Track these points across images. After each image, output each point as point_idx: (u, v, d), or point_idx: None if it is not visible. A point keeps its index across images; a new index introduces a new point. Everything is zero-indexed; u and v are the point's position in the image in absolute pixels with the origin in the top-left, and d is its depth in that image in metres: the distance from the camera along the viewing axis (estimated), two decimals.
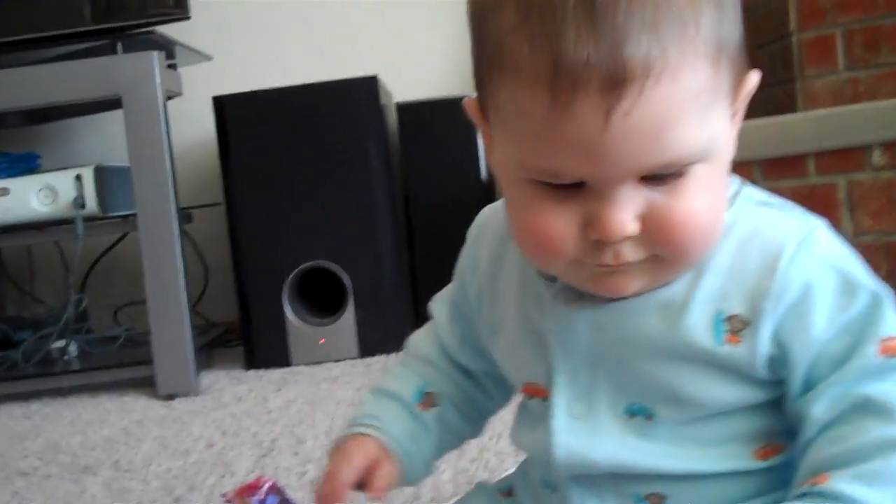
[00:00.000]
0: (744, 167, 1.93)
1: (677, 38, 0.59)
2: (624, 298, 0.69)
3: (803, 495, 0.63)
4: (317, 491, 0.80)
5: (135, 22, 2.28)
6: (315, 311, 2.30)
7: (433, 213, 2.44)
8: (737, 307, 0.67)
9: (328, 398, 1.85)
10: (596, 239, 0.63)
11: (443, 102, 2.46)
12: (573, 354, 0.72)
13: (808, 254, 0.67)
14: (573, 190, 0.63)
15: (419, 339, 0.89)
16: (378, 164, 2.27)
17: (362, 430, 0.82)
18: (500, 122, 0.65)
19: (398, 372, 0.87)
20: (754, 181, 2.04)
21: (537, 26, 0.59)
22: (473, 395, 0.86)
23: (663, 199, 0.63)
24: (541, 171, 0.63)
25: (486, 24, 0.64)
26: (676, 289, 0.68)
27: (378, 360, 2.18)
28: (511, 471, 0.87)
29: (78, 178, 2.15)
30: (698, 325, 0.67)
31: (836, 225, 1.93)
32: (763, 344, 0.66)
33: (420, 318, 2.46)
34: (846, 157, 1.85)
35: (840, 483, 0.62)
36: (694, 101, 0.61)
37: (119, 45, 2.17)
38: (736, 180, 0.71)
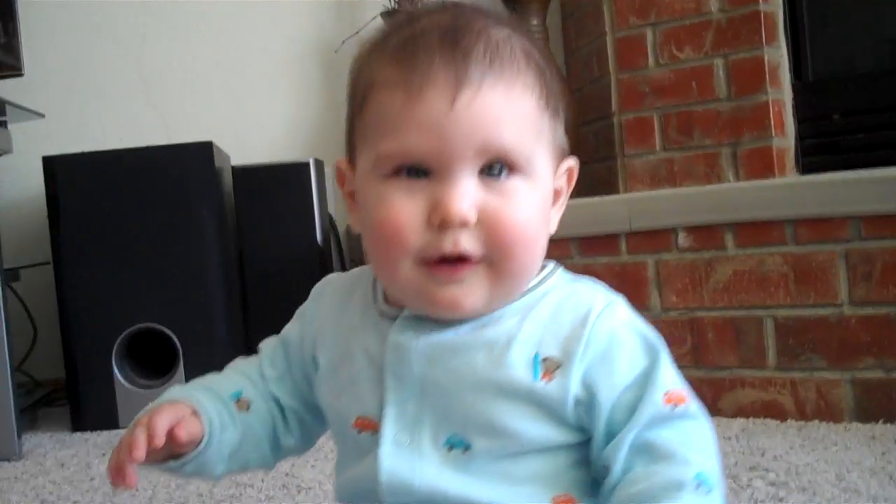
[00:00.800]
0: (562, 243, 2.05)
1: (512, 72, 0.76)
2: (456, 333, 0.79)
3: None
4: (123, 439, 0.82)
5: None
6: (145, 372, 2.29)
7: (267, 276, 2.46)
8: (552, 350, 0.77)
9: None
10: (439, 222, 0.74)
11: (279, 167, 2.50)
12: (405, 386, 0.80)
13: (612, 314, 0.79)
14: (421, 181, 0.75)
15: (242, 362, 0.95)
16: (211, 226, 2.28)
17: (176, 397, 0.86)
18: (364, 138, 0.79)
19: (216, 377, 0.93)
20: (571, 257, 2.13)
21: (403, 56, 0.76)
22: (276, 424, 0.91)
23: (496, 200, 0.75)
24: (395, 155, 0.76)
25: (361, 72, 0.80)
26: (501, 332, 0.78)
27: None
28: None
29: None
30: (519, 363, 0.77)
31: (645, 300, 2.05)
32: (573, 384, 0.77)
33: None
34: (655, 237, 1.99)
35: None
36: (523, 118, 0.77)
37: None
38: (552, 262, 0.84)
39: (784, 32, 2.15)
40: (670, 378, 0.78)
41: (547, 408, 0.77)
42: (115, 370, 2.25)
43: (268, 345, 0.95)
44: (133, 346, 2.28)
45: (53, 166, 2.27)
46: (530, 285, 0.81)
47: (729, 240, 1.90)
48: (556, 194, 0.84)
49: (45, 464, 1.94)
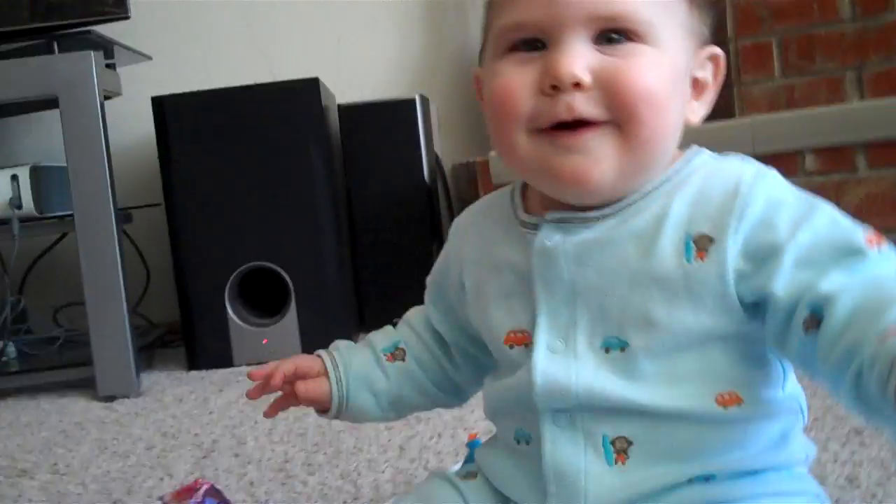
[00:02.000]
0: None
1: None
2: (602, 228, 0.74)
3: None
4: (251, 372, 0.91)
5: (73, 21, 2.26)
6: (257, 311, 2.30)
7: (375, 214, 2.45)
8: (703, 227, 0.72)
9: (269, 398, 1.83)
10: (550, 85, 0.71)
11: (384, 104, 2.47)
12: (555, 291, 0.76)
13: (766, 181, 0.72)
14: (536, 55, 0.73)
15: (412, 310, 0.96)
16: (319, 165, 2.27)
17: (320, 352, 0.93)
18: (489, 28, 0.77)
19: (386, 329, 0.95)
20: None
21: None
22: (442, 362, 0.92)
23: (615, 60, 0.71)
24: (509, 28, 0.74)
25: None
26: (648, 219, 0.73)
27: None
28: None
29: (14, 178, 2.12)
30: (669, 248, 0.72)
31: None
32: (731, 258, 0.70)
33: (363, 317, 2.48)
34: (780, 161, 1.88)
35: None
36: None
37: (56, 45, 2.15)
38: (695, 146, 0.78)
39: None
40: (855, 225, 0.70)
41: (706, 291, 0.71)
42: (229, 309, 2.26)
43: (428, 289, 0.94)
44: (245, 285, 2.28)
45: (162, 107, 2.28)
46: (674, 167, 0.76)
47: (860, 161, 1.80)
48: (700, 85, 0.79)
49: (163, 400, 1.97)
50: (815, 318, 0.66)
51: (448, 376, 0.92)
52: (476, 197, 2.10)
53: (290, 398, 0.91)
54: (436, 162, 2.57)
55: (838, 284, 0.66)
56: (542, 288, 0.77)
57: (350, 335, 2.25)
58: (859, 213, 1.77)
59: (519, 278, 0.79)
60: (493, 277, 0.81)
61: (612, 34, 0.72)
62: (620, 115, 0.71)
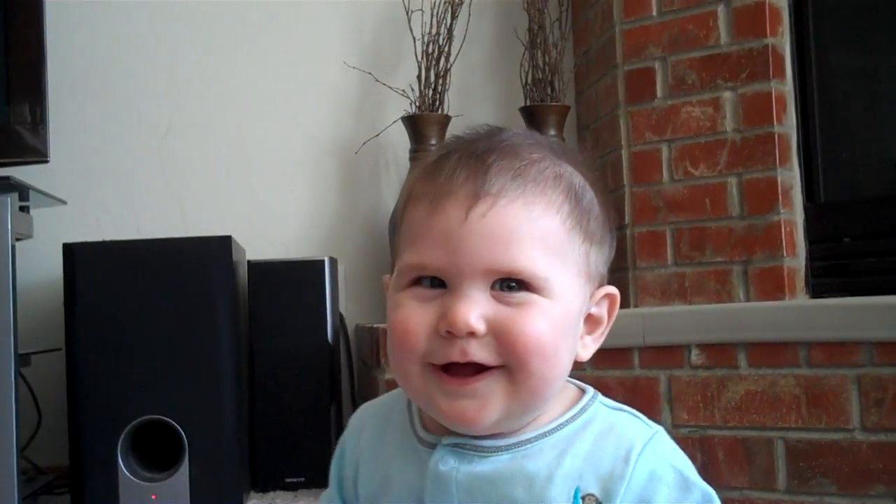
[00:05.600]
0: None
1: (536, 189, 0.77)
2: (496, 464, 0.78)
3: None
4: None
5: None
6: (149, 465, 2.27)
7: (276, 371, 2.46)
8: (593, 487, 0.76)
9: None
10: (446, 331, 0.75)
11: (295, 263, 2.52)
12: None
13: (654, 451, 0.78)
14: (437, 293, 0.77)
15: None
16: (226, 319, 2.29)
17: None
18: (398, 252, 0.81)
19: None
20: (584, 369, 2.12)
21: (433, 171, 0.79)
22: None
23: (510, 311, 0.76)
24: (414, 267, 0.78)
25: (404, 188, 0.85)
26: (541, 465, 0.77)
27: None
28: None
29: None
30: (559, 498, 0.76)
31: (656, 416, 2.05)
32: None
33: (256, 476, 2.46)
34: (668, 353, 1.99)
35: None
36: (541, 238, 0.76)
37: None
38: (591, 389, 0.84)
39: (797, 154, 2.19)
40: None
41: None
42: (120, 461, 2.23)
43: (331, 475, 0.95)
44: (139, 438, 2.27)
45: (73, 253, 2.29)
46: (570, 415, 0.81)
47: (742, 359, 1.91)
48: (595, 321, 0.84)
49: None
50: None
51: None
52: (376, 362, 2.15)
53: None
54: (340, 322, 2.61)
55: None
56: None
57: (241, 494, 2.24)
58: (740, 408, 1.86)
59: (409, 495, 0.82)
60: (386, 491, 0.84)
61: (509, 282, 0.76)
62: (511, 362, 0.76)
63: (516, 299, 0.76)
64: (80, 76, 2.74)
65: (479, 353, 0.76)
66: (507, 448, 0.79)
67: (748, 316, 1.95)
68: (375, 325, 2.45)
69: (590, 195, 0.82)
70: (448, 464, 0.80)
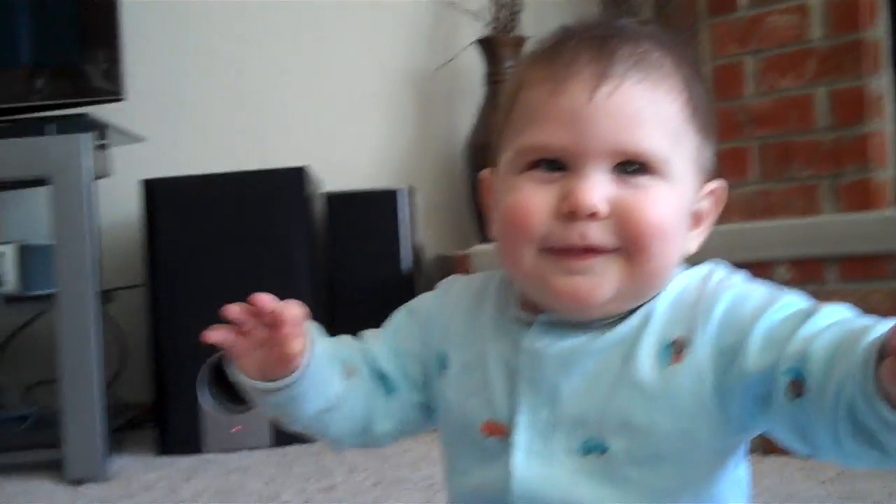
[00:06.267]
0: None
1: (659, 74, 0.76)
2: (588, 335, 0.77)
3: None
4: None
5: (69, 101, 2.30)
6: (232, 398, 2.29)
7: (356, 303, 2.46)
8: (678, 331, 0.76)
9: (238, 490, 1.84)
10: (567, 212, 0.74)
11: (370, 194, 2.51)
12: (539, 392, 0.79)
13: (731, 280, 0.77)
14: (556, 174, 0.75)
15: (370, 337, 0.93)
16: (302, 252, 2.29)
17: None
18: (509, 138, 0.79)
19: (350, 343, 0.92)
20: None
21: (552, 56, 0.78)
22: (376, 404, 0.88)
23: (630, 194, 0.74)
24: (534, 147, 0.76)
25: (513, 77, 0.83)
26: (632, 325, 0.77)
27: (292, 450, 2.17)
28: None
29: (0, 255, 2.14)
30: (650, 354, 0.76)
31: None
32: (705, 358, 0.74)
33: None
34: (754, 270, 1.91)
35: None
36: (664, 120, 0.75)
37: (51, 126, 2.18)
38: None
39: (889, 61, 2.08)
40: (808, 300, 0.74)
41: (684, 394, 0.74)
42: (203, 394, 2.25)
43: (400, 324, 0.92)
44: (221, 372, 2.28)
45: (151, 189, 2.30)
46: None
47: (831, 274, 1.83)
48: (699, 216, 0.82)
49: (131, 486, 1.95)
50: (797, 381, 0.68)
51: (372, 417, 0.89)
52: None
53: (252, 340, 0.83)
54: (417, 253, 2.60)
55: (806, 339, 0.69)
56: (527, 387, 0.79)
57: None
58: None
59: (504, 370, 0.81)
60: (480, 365, 0.83)
61: (631, 165, 0.75)
62: (630, 246, 0.74)
63: (638, 183, 0.75)
64: (153, 14, 2.74)
65: (599, 235, 0.74)
66: (601, 322, 0.78)
67: (837, 229, 1.87)
68: (454, 254, 2.43)
69: (701, 88, 0.81)
70: (543, 340, 0.79)
